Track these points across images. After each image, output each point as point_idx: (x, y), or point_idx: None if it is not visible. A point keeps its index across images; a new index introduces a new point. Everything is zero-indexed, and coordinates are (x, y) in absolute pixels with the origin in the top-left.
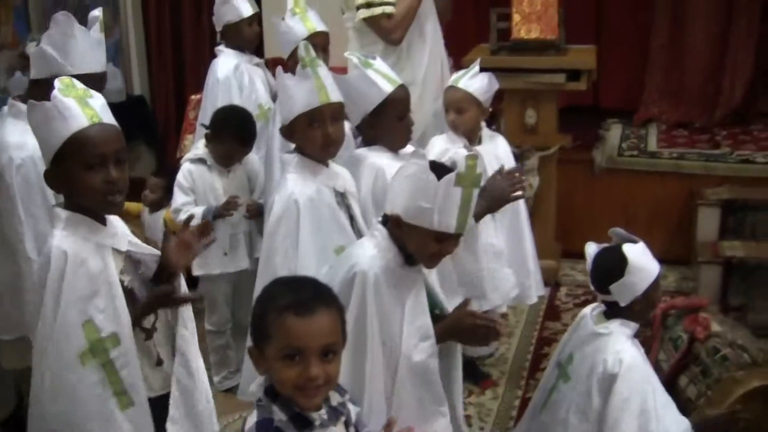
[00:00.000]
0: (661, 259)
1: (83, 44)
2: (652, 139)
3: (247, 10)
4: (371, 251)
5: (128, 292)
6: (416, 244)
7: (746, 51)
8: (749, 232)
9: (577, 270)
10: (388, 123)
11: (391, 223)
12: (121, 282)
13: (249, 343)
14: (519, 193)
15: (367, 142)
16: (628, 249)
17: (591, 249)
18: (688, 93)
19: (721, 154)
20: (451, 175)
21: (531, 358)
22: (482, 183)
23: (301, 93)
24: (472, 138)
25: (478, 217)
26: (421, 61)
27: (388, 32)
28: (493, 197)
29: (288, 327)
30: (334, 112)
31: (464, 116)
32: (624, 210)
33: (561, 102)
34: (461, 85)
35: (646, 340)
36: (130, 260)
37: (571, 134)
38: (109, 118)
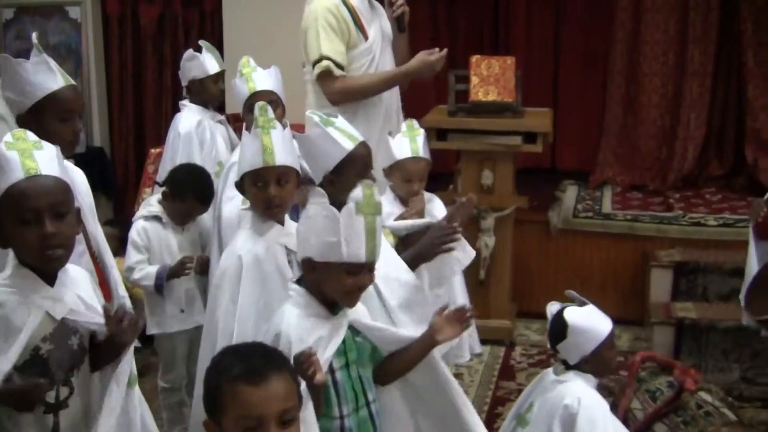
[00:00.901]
0: (615, 320)
1: (32, 73)
2: (607, 201)
3: (213, 67)
4: (292, 311)
5: (41, 361)
6: (332, 283)
7: (698, 115)
8: (701, 294)
9: (532, 330)
10: (348, 180)
11: (305, 268)
12: (38, 348)
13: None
14: (452, 244)
15: (329, 200)
16: (569, 313)
17: (552, 308)
18: (642, 156)
19: (674, 216)
20: (351, 205)
21: (485, 418)
22: None
23: (249, 152)
24: (415, 194)
25: (412, 265)
26: (376, 118)
27: (330, 94)
28: (426, 246)
29: (242, 397)
30: (281, 175)
31: (423, 183)
32: (579, 271)
33: (518, 163)
34: (423, 154)
35: (621, 388)
36: (65, 328)
37: (528, 195)
38: (54, 169)
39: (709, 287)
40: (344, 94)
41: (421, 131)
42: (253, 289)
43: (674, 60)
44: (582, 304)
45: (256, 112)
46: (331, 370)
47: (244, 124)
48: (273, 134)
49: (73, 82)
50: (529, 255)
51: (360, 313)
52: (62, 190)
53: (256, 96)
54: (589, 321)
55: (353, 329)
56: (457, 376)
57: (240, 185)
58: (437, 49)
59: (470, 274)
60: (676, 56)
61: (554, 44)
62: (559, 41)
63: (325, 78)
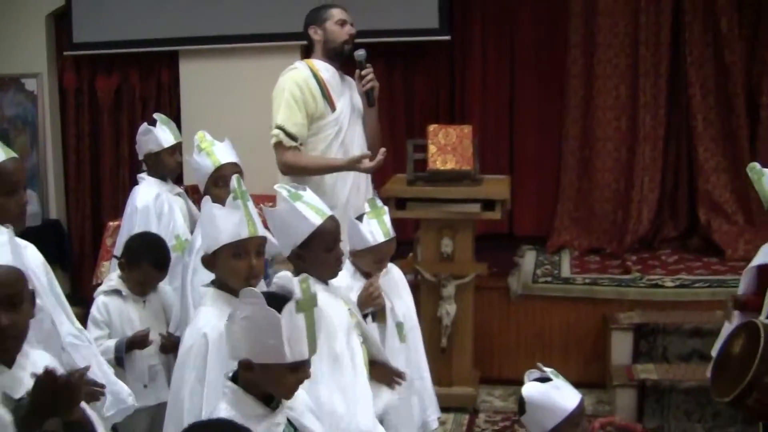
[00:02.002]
0: (578, 383)
1: None
2: (566, 265)
3: (168, 140)
4: (227, 413)
5: None
6: (273, 382)
7: (651, 178)
8: (661, 355)
9: (495, 396)
10: (316, 255)
11: (242, 369)
12: None
13: None
14: (376, 303)
15: (297, 272)
16: (527, 388)
17: (530, 377)
18: (598, 220)
19: (632, 279)
20: (292, 305)
21: None
22: None
23: (229, 224)
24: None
25: None
26: (344, 186)
27: (278, 164)
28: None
29: None
30: (259, 246)
31: None
32: (540, 335)
33: (477, 230)
34: (393, 233)
35: None
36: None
37: (487, 262)
38: (5, 257)
39: (669, 348)
40: (289, 167)
41: (385, 209)
42: (221, 367)
43: (626, 125)
44: (545, 379)
45: (234, 184)
46: None
47: (207, 198)
48: (250, 205)
49: (14, 154)
50: (491, 321)
51: (299, 400)
52: (15, 279)
53: (221, 169)
54: (548, 398)
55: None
56: None
57: (210, 259)
58: (384, 150)
59: (432, 341)
60: (628, 121)
61: (509, 111)
62: (515, 108)
63: (276, 148)
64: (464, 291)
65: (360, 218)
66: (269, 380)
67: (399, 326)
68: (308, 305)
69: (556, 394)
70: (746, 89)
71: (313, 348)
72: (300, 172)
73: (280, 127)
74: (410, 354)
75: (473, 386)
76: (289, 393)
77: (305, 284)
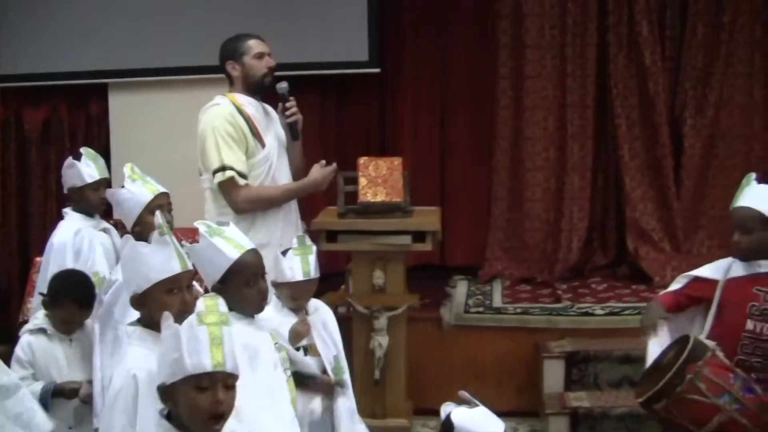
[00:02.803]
0: (512, 413)
1: None
2: (497, 295)
3: (92, 176)
4: None
5: None
6: (187, 407)
7: (581, 208)
8: (593, 382)
9: (429, 427)
10: (236, 289)
11: (162, 399)
12: None
13: None
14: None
15: None
16: (456, 414)
17: (446, 409)
18: (529, 249)
19: (563, 307)
20: (192, 317)
21: None
22: None
23: (159, 260)
24: (301, 309)
25: None
26: (276, 223)
27: (235, 203)
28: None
29: None
30: (189, 280)
31: (310, 296)
32: (473, 365)
33: (409, 261)
34: (315, 274)
35: None
36: None
37: (419, 293)
38: None
39: (600, 375)
40: (251, 203)
41: (313, 248)
42: (153, 409)
43: (555, 155)
44: (472, 405)
45: (160, 219)
46: None
47: (127, 237)
48: (174, 240)
49: None
50: (424, 352)
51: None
52: None
53: (160, 198)
54: (476, 424)
55: None
56: None
57: (140, 298)
58: (324, 162)
59: (365, 374)
60: (556, 151)
61: (440, 143)
62: (445, 140)
63: (229, 187)
64: (397, 322)
65: (286, 252)
66: (184, 407)
67: (336, 359)
68: (212, 319)
69: (484, 419)
70: (670, 120)
71: (219, 363)
72: (263, 204)
73: (229, 167)
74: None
75: (407, 418)
76: (206, 425)
77: (212, 301)
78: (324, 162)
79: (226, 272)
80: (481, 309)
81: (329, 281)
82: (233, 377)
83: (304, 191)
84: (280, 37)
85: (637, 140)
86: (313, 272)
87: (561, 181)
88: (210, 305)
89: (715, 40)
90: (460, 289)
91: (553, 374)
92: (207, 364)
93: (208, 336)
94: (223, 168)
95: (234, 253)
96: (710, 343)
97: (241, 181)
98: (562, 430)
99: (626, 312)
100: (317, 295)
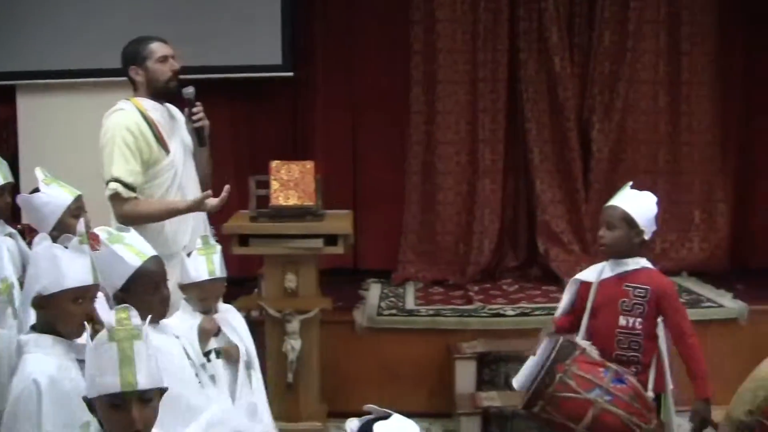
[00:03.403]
0: (425, 414)
1: None
2: (410, 297)
3: None
4: None
5: None
6: (106, 423)
7: (492, 210)
8: (504, 382)
9: (344, 429)
10: (139, 297)
11: (87, 405)
12: None
13: None
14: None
15: None
16: (378, 428)
17: (351, 425)
18: (441, 252)
19: (474, 309)
20: (104, 333)
21: None
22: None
23: (75, 268)
24: (209, 312)
25: None
26: (185, 233)
27: (118, 216)
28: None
29: None
30: (95, 292)
31: (219, 298)
32: (387, 368)
33: (321, 265)
34: (220, 274)
35: None
36: None
37: (332, 296)
38: None
39: (511, 375)
40: (130, 218)
41: (218, 248)
42: (57, 413)
43: (467, 159)
44: (386, 416)
45: (83, 227)
46: None
47: (43, 235)
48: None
49: None
50: (337, 355)
51: None
52: None
53: (81, 200)
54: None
55: None
56: None
57: (44, 300)
58: (228, 187)
59: (278, 377)
60: (468, 156)
61: (353, 147)
62: (358, 144)
63: (114, 200)
64: (309, 326)
65: (191, 254)
66: (104, 421)
67: (247, 364)
68: (124, 336)
69: (403, 427)
70: (579, 124)
71: (129, 383)
72: (143, 220)
73: (116, 179)
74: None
75: (321, 420)
76: None
77: (123, 314)
78: (228, 187)
79: (128, 280)
80: (393, 311)
81: (242, 286)
82: (150, 392)
83: (191, 211)
84: (192, 40)
85: (547, 144)
86: (219, 271)
87: (473, 184)
88: (121, 318)
89: (621, 48)
90: (374, 291)
91: (465, 375)
92: (116, 385)
93: (117, 355)
94: (111, 180)
95: (136, 261)
96: (583, 343)
97: (126, 194)
98: (474, 429)
99: (537, 312)
100: (230, 300)
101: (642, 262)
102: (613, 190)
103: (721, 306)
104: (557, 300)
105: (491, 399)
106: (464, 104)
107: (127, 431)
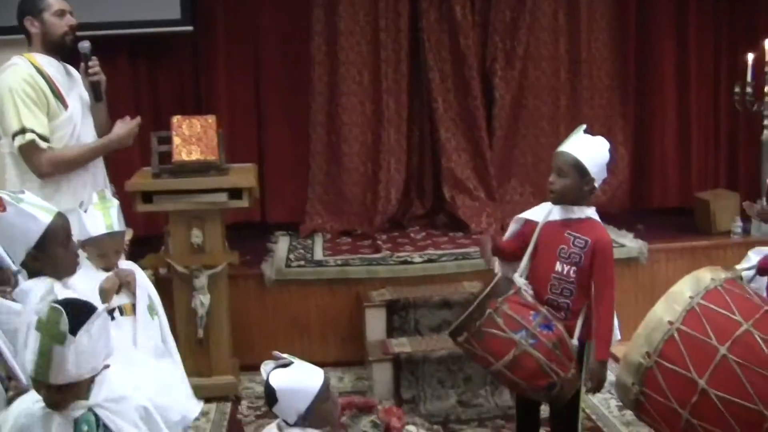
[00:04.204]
0: (338, 363)
1: None
2: (318, 248)
3: None
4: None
5: None
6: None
7: (398, 160)
8: (413, 329)
9: (257, 382)
10: (52, 253)
11: None
12: None
13: None
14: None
15: (33, 274)
16: (273, 377)
17: (266, 368)
18: (349, 203)
19: (382, 257)
20: (34, 318)
21: None
22: None
23: None
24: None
25: None
26: (84, 188)
27: (38, 167)
28: None
29: None
30: None
31: (120, 254)
32: (297, 319)
33: (229, 219)
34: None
35: None
36: None
37: (241, 251)
38: None
39: (420, 321)
40: (54, 166)
41: (115, 202)
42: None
43: (371, 109)
44: (287, 364)
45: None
46: None
47: None
48: None
49: None
50: (247, 309)
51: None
52: None
53: None
54: (295, 381)
55: None
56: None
57: None
58: (128, 117)
59: (188, 333)
60: (372, 106)
61: (256, 101)
62: (261, 97)
63: (30, 151)
64: (217, 281)
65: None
66: None
67: (150, 308)
68: (47, 333)
69: (301, 376)
70: (481, 72)
71: (41, 374)
72: (67, 166)
73: (30, 130)
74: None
75: (234, 374)
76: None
77: (54, 315)
78: (128, 117)
79: (41, 237)
80: (302, 263)
81: (149, 243)
82: (65, 384)
83: (109, 148)
84: None
85: (450, 93)
86: (116, 225)
87: (377, 134)
88: (50, 318)
89: None
90: (282, 244)
91: (375, 323)
92: (30, 370)
93: (37, 347)
94: (23, 131)
95: (46, 217)
96: (520, 281)
97: (43, 144)
98: (385, 375)
99: (443, 258)
100: (137, 259)
101: (588, 212)
102: (516, 137)
103: (622, 246)
104: (464, 246)
105: (402, 345)
106: (366, 55)
107: (51, 405)
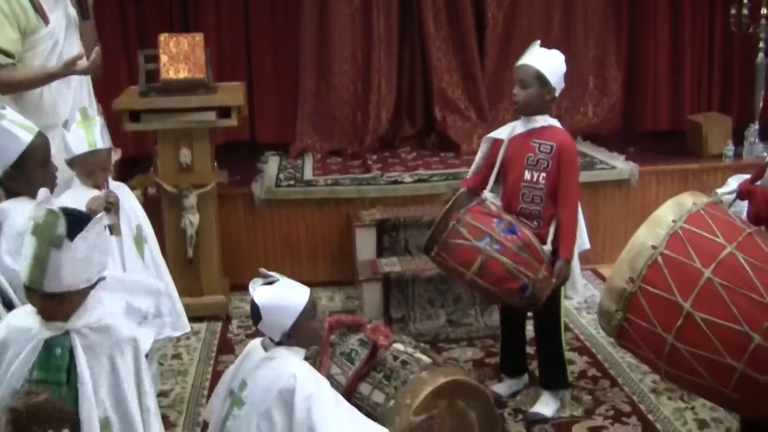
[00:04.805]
0: (328, 283)
1: None
2: (308, 168)
3: None
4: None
5: None
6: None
7: (388, 80)
8: (403, 248)
9: (247, 302)
10: (31, 172)
11: None
12: None
13: None
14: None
15: (11, 194)
16: (258, 294)
17: (254, 286)
18: (339, 123)
19: (372, 177)
20: (30, 223)
21: (207, 394)
22: None
23: None
24: (100, 187)
25: None
26: (65, 104)
27: None
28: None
29: None
30: None
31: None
32: (287, 239)
33: (218, 139)
34: (102, 145)
35: (318, 357)
36: None
37: (230, 170)
38: None
39: (410, 241)
40: (6, 85)
41: (97, 120)
42: None
43: (362, 29)
44: (273, 281)
45: None
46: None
47: None
48: None
49: None
50: (237, 229)
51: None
52: None
53: None
54: (279, 298)
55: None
56: (176, 356)
57: None
58: (82, 53)
59: (178, 253)
60: (363, 25)
61: (245, 19)
62: (250, 15)
63: None
64: (206, 200)
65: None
66: None
67: (137, 240)
68: (43, 237)
69: (286, 292)
70: None
71: (34, 281)
72: (17, 87)
73: None
74: (151, 270)
75: (224, 294)
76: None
77: (52, 218)
78: (98, 49)
79: (20, 156)
80: (292, 183)
81: (139, 165)
82: (59, 294)
83: (64, 74)
84: None
85: (442, 13)
86: (99, 143)
87: (368, 54)
88: (47, 220)
89: None
90: (272, 164)
91: (365, 242)
92: (23, 277)
93: (33, 252)
94: None
95: (27, 136)
96: (487, 195)
97: (3, 60)
98: (375, 295)
99: (434, 179)
100: (126, 180)
101: (550, 121)
102: (507, 57)
103: (613, 168)
104: (454, 166)
105: (392, 265)
106: None
107: (44, 316)
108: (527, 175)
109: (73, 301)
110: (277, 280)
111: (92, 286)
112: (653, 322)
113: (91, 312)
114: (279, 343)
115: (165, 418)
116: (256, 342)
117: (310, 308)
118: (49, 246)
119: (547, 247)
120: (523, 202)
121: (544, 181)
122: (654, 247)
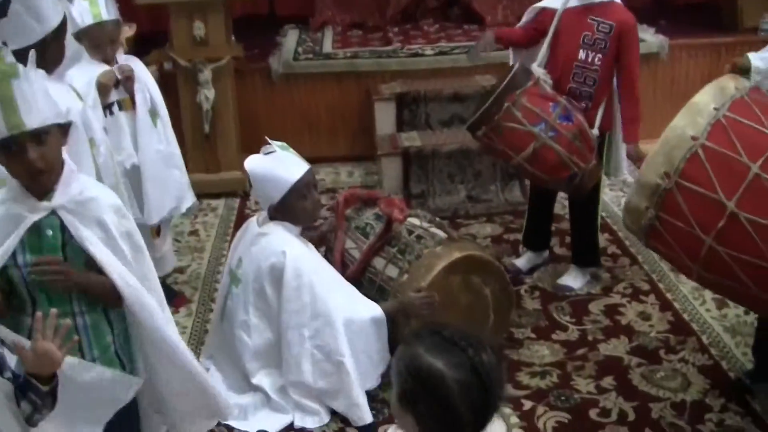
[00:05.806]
0: (347, 157)
1: None
2: (328, 41)
3: None
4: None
5: None
6: (11, 171)
7: None
8: (424, 122)
9: None
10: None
11: None
12: None
13: None
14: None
15: None
16: (248, 162)
17: (265, 151)
18: None
19: (393, 50)
20: None
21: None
22: None
23: None
24: (110, 61)
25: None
26: None
27: None
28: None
29: None
30: None
31: (117, 45)
32: (306, 114)
33: (235, 13)
34: (108, 16)
35: (332, 231)
36: None
37: (248, 44)
38: None
39: (431, 115)
40: None
41: None
42: None
43: None
44: (269, 152)
45: None
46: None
47: None
48: None
49: None
50: (255, 104)
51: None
52: None
53: None
54: (269, 170)
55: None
56: (193, 233)
57: None
58: None
59: (194, 129)
60: None
61: None
62: None
63: None
64: (222, 74)
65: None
66: (5, 167)
67: (152, 113)
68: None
69: (278, 165)
70: None
71: (12, 126)
72: None
73: None
74: (163, 146)
75: (241, 170)
76: (27, 183)
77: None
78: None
79: None
80: (310, 56)
81: (155, 41)
82: (44, 129)
83: None
84: None
85: None
86: (105, 14)
87: None
88: None
89: None
90: (291, 38)
91: (385, 116)
92: (2, 130)
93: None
94: None
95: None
96: (538, 71)
97: None
98: (395, 170)
99: (456, 51)
100: (142, 56)
101: None
102: None
103: (642, 41)
104: (477, 39)
105: (411, 139)
106: None
107: (30, 173)
108: (581, 54)
109: (53, 148)
110: (274, 151)
111: (66, 131)
112: (690, 222)
113: (70, 186)
114: (271, 219)
115: (181, 294)
116: (254, 217)
117: (302, 187)
118: (8, 79)
119: (595, 132)
120: (574, 82)
121: (599, 63)
122: (694, 138)
